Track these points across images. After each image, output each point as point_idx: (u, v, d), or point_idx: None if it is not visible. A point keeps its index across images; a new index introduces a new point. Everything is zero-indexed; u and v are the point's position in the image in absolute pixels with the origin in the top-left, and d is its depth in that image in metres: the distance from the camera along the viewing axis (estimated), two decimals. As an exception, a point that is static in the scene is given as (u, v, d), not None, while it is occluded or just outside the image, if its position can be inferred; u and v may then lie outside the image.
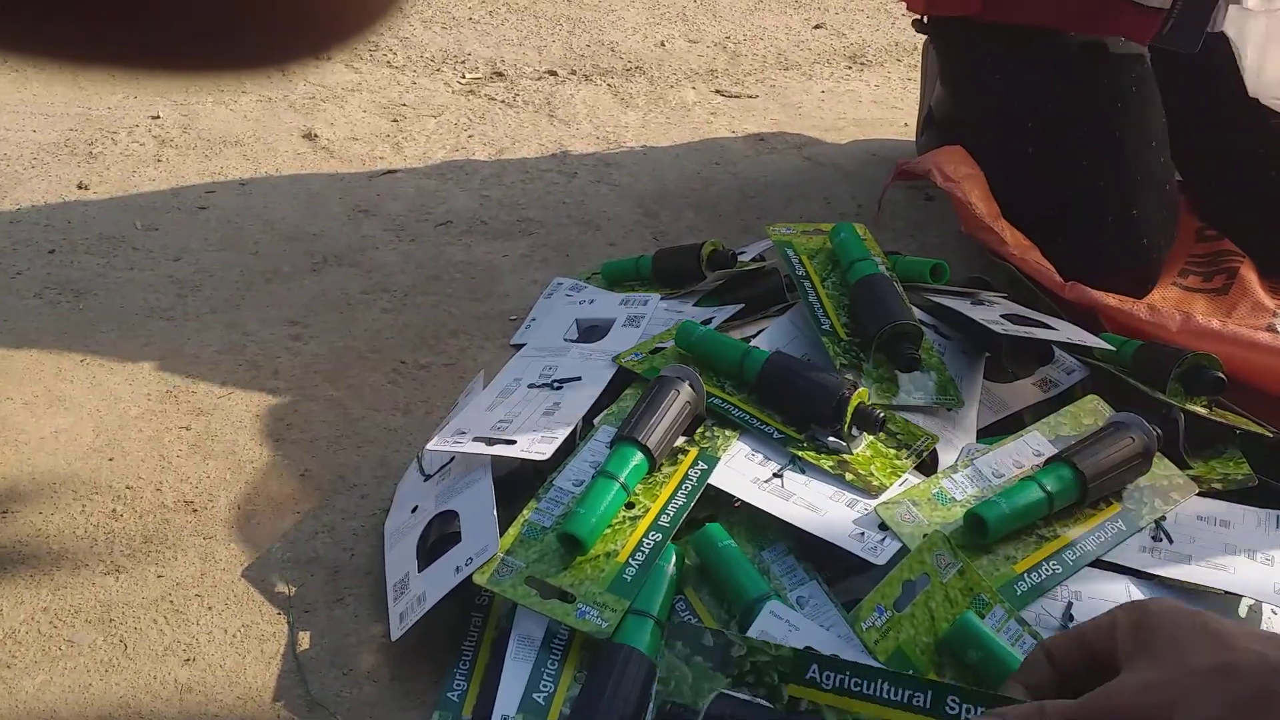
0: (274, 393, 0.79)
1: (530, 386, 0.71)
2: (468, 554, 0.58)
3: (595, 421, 0.67)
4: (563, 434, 0.64)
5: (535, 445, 0.63)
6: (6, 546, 0.65)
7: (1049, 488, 0.57)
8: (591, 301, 0.84)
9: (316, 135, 1.19)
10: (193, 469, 0.71)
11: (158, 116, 1.21)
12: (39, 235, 0.98)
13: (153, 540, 0.66)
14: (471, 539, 0.59)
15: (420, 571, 0.60)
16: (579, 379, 0.71)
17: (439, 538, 0.62)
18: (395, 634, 0.58)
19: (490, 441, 0.64)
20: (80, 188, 1.06)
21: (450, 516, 0.62)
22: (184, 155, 1.14)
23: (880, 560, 0.55)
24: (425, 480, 0.67)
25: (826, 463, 0.62)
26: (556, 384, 0.71)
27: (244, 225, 1.01)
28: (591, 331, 0.80)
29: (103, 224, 1.00)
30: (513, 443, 0.64)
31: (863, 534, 0.57)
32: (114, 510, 0.68)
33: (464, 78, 1.36)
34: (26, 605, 0.61)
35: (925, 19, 1.03)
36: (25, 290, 0.90)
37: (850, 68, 1.46)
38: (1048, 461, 0.60)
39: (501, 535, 0.58)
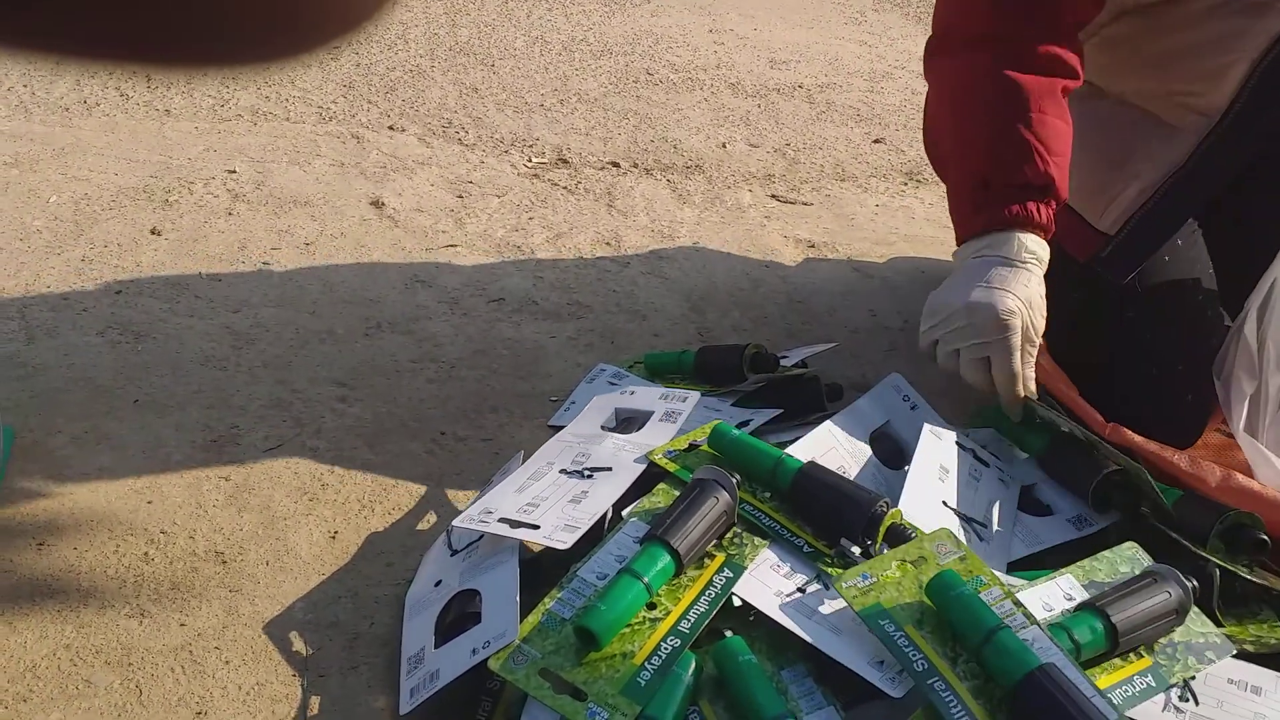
0: (314, 452, 0.80)
1: (562, 472, 0.72)
2: (486, 637, 0.58)
3: (625, 514, 0.67)
4: (587, 524, 0.64)
5: (558, 534, 0.63)
6: (38, 579, 0.66)
7: (1077, 638, 0.56)
8: (632, 392, 0.85)
9: (384, 204, 1.23)
10: (227, 520, 0.73)
11: (234, 171, 1.26)
12: (109, 275, 1.01)
13: (180, 587, 0.67)
14: (491, 622, 0.59)
15: (436, 648, 0.60)
16: (610, 469, 0.72)
17: (459, 616, 0.62)
18: (404, 708, 0.58)
19: (515, 524, 0.65)
20: (153, 233, 1.11)
21: (472, 595, 0.63)
22: (255, 211, 1.18)
23: (898, 693, 0.54)
24: (452, 555, 0.68)
25: (852, 582, 0.61)
26: (588, 472, 0.72)
27: (304, 284, 1.04)
28: (629, 422, 0.81)
29: (170, 270, 1.04)
30: (536, 528, 0.64)
31: (882, 662, 0.56)
32: (146, 554, 0.69)
33: (530, 161, 1.40)
34: (50, 640, 0.62)
35: None
36: (89, 327, 0.93)
37: (906, 184, 1.49)
38: (1079, 607, 0.59)
39: (521, 621, 0.58)
